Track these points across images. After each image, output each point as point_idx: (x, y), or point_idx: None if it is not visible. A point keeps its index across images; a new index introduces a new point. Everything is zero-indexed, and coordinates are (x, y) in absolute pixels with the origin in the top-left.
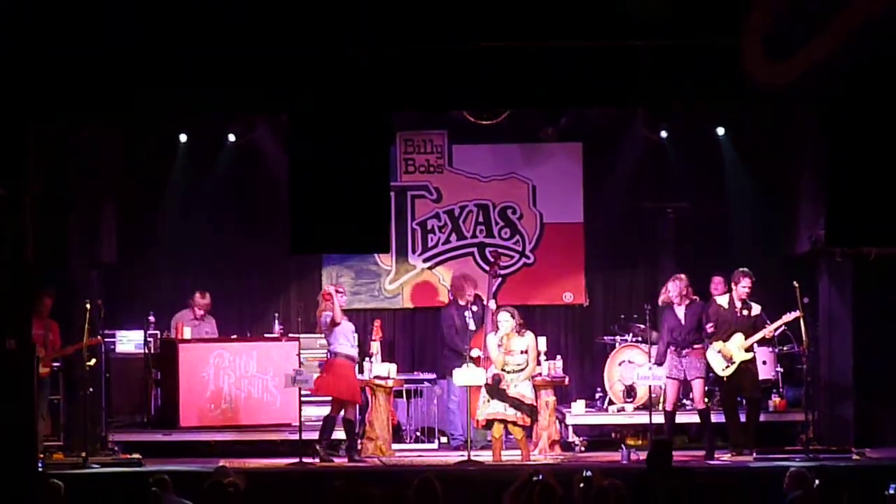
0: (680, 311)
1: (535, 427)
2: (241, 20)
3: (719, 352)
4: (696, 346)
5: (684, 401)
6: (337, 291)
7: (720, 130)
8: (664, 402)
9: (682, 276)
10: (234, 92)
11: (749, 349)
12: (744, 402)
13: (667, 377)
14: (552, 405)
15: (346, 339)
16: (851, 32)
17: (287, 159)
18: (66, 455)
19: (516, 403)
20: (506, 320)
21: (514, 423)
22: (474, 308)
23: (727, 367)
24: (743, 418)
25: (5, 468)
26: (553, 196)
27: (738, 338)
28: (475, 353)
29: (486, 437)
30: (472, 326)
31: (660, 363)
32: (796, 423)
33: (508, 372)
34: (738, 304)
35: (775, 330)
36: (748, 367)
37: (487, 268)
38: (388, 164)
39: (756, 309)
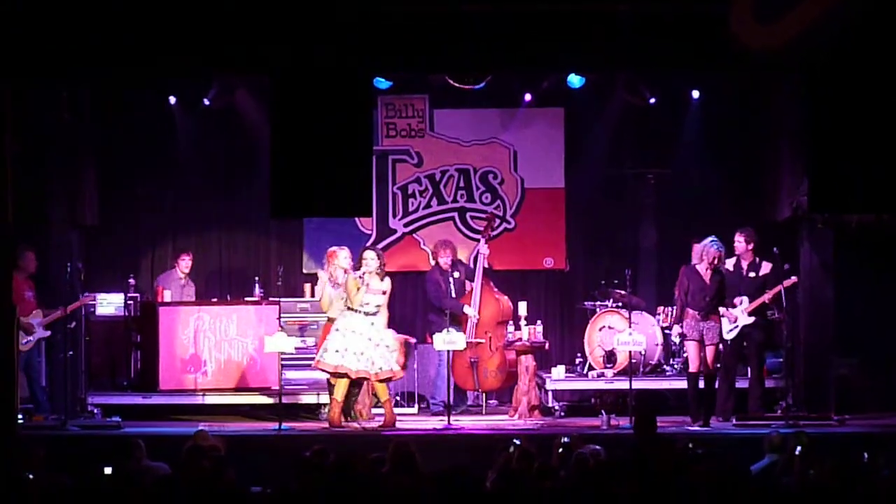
0: (706, 275)
1: (515, 392)
2: None
3: (723, 316)
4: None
5: (663, 366)
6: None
7: (695, 94)
8: (687, 364)
9: (715, 243)
10: (216, 53)
11: (753, 312)
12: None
13: (687, 339)
14: (532, 370)
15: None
16: None
17: (268, 122)
18: (48, 417)
19: (384, 355)
20: (372, 259)
21: (387, 379)
22: (456, 274)
23: (730, 329)
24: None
25: None
26: (534, 161)
27: (744, 301)
28: (468, 310)
29: (465, 402)
30: (453, 294)
31: (678, 322)
32: (776, 390)
33: (366, 313)
34: (745, 266)
35: (773, 296)
36: (753, 330)
37: (481, 229)
38: (370, 127)
39: (766, 268)
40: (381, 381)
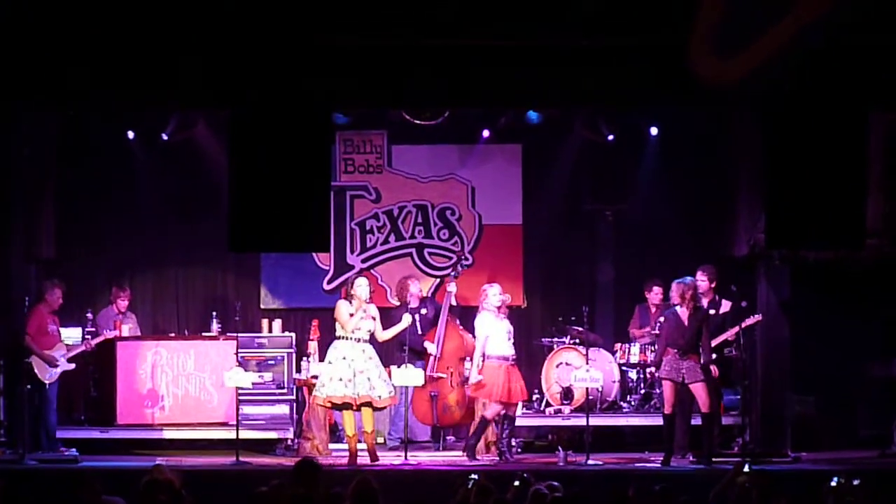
0: (684, 315)
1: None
2: (185, 16)
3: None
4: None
5: (620, 403)
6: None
7: (653, 130)
8: (663, 405)
9: (692, 280)
10: (175, 87)
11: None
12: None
13: (664, 378)
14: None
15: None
16: (797, 32)
17: (226, 157)
18: (5, 451)
19: (385, 379)
20: (364, 285)
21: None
22: (423, 311)
23: None
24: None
25: None
26: (492, 197)
27: None
28: (430, 347)
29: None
30: (419, 330)
31: (657, 365)
32: (732, 427)
33: (357, 339)
34: (705, 304)
35: (735, 334)
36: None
37: (448, 268)
38: (329, 164)
39: (725, 306)
40: (379, 408)
